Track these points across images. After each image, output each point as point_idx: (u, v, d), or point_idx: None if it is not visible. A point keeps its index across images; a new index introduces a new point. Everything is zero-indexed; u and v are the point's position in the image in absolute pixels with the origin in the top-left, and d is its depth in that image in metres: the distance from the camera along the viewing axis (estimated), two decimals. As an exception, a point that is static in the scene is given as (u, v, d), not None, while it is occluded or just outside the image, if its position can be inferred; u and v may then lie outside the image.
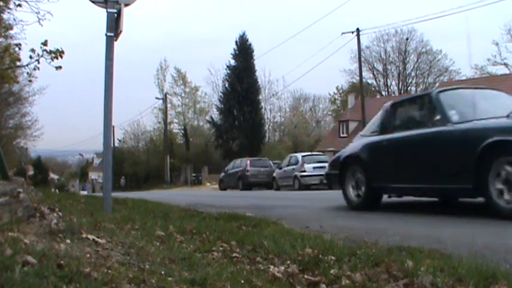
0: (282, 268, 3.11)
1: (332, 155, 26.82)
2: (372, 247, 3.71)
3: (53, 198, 7.31)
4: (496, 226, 5.07)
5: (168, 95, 48.41)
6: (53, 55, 10.17)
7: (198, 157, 45.68)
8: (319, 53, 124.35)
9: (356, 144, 8.00)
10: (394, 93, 51.23)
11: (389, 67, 52.06)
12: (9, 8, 11.20)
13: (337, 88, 56.83)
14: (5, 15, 11.89)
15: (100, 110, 6.40)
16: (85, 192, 40.20)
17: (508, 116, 5.49)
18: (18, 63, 11.73)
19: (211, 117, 46.29)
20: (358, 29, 27.19)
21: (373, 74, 53.23)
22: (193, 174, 42.36)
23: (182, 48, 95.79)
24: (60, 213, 3.81)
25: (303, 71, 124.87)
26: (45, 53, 10.17)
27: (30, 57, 10.44)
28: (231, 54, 42.04)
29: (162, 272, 2.58)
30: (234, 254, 3.57)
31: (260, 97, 44.92)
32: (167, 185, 41.41)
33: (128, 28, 6.82)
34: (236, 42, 42.08)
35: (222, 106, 42.65)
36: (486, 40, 63.93)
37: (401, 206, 7.86)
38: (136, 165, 48.41)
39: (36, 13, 10.68)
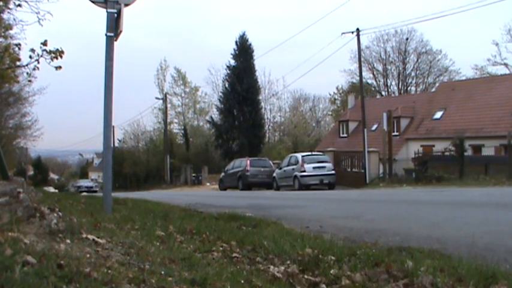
0: (282, 268, 3.11)
1: (332, 155, 26.96)
2: (372, 247, 3.71)
3: (53, 198, 7.32)
4: (496, 226, 5.07)
5: (168, 95, 48.37)
6: (53, 55, 10.13)
7: (198, 157, 45.63)
8: (319, 53, 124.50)
9: None
10: (394, 93, 51.16)
11: (389, 67, 51.98)
12: (9, 8, 11.18)
13: (337, 88, 56.80)
14: (5, 15, 11.87)
15: (100, 110, 6.41)
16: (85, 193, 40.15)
17: None
18: (18, 63, 11.68)
19: (211, 117, 46.25)
20: (358, 29, 27.06)
21: (373, 74, 53.19)
22: (193, 174, 42.26)
23: (182, 48, 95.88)
24: (60, 213, 3.80)
25: (303, 71, 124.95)
26: (45, 53, 10.13)
27: (30, 57, 10.40)
28: (231, 54, 41.98)
29: (162, 272, 2.58)
30: (234, 254, 3.56)
31: (260, 97, 44.86)
32: (167, 185, 41.34)
33: (128, 29, 6.82)
34: (236, 42, 42.00)
35: (222, 106, 42.60)
36: (486, 40, 63.92)
37: (400, 206, 7.85)
38: (136, 165, 48.29)
39: (36, 13, 10.64)
